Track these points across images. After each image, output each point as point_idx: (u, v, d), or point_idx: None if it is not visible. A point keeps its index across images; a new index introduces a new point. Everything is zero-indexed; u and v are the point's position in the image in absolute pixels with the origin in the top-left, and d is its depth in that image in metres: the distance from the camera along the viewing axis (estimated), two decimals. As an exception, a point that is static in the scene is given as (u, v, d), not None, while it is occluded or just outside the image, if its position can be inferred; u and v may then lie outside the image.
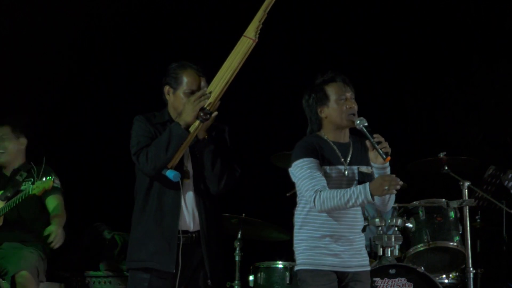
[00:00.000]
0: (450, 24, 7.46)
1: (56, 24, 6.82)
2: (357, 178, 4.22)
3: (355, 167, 4.22)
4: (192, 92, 4.28)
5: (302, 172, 4.16)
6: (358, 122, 4.15)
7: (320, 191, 4.07)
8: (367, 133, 4.11)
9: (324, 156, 4.18)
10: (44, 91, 6.90)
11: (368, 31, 7.47)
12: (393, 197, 4.23)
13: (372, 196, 4.00)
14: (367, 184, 4.02)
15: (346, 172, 4.19)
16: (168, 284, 4.23)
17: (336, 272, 4.21)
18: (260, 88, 7.34)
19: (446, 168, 6.07)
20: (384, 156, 4.05)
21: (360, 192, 4.01)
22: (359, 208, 4.25)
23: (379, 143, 4.06)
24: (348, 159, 4.23)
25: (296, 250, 4.29)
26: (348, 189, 4.05)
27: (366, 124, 4.14)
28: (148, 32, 7.23)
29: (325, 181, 4.11)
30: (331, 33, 7.44)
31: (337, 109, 4.21)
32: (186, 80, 4.31)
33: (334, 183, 4.17)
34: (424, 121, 7.61)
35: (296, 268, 4.28)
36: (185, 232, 4.27)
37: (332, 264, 4.20)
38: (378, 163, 4.11)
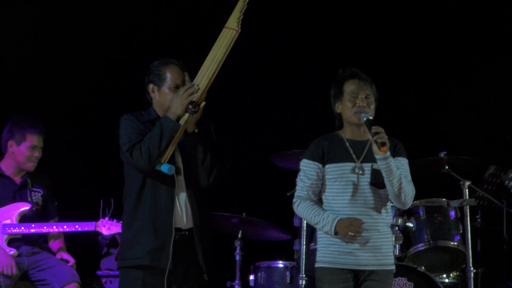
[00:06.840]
0: (450, 23, 7.45)
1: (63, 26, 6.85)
2: (368, 175, 4.22)
3: (368, 164, 4.22)
4: (177, 87, 4.29)
5: (300, 173, 4.32)
6: (362, 115, 4.19)
7: (301, 200, 4.27)
8: (367, 125, 4.14)
9: (331, 155, 4.25)
10: (43, 91, 6.90)
11: (368, 30, 7.46)
12: (407, 189, 4.19)
13: (336, 232, 4.14)
14: (338, 218, 4.14)
15: (356, 169, 4.21)
16: (161, 282, 4.21)
17: (352, 270, 4.21)
18: (261, 87, 7.33)
19: (447, 167, 6.06)
20: (379, 146, 4.06)
21: (328, 222, 4.17)
22: (380, 206, 4.24)
23: (376, 133, 4.08)
24: (362, 156, 4.24)
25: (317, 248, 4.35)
26: (323, 212, 4.20)
27: (370, 118, 4.17)
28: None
29: (313, 190, 4.27)
30: (332, 33, 7.44)
31: (348, 106, 4.25)
32: (169, 76, 4.32)
33: (342, 179, 4.22)
34: (424, 121, 7.61)
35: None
36: (178, 229, 4.26)
37: (346, 263, 4.20)
38: (378, 154, 4.12)
